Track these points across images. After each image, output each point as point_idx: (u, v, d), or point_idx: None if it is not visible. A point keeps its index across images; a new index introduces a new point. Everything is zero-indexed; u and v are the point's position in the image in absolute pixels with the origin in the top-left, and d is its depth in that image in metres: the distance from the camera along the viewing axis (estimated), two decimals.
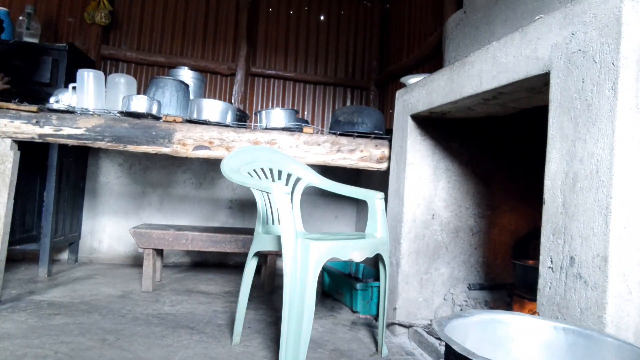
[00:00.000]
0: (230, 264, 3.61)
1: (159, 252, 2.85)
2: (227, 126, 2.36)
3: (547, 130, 1.28)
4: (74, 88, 2.35)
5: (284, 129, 2.45)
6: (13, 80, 2.67)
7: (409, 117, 2.13)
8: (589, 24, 1.15)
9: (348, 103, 4.15)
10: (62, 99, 2.37)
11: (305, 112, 4.07)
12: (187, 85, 2.64)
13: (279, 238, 1.70)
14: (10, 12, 3.03)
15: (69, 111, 2.23)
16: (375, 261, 1.97)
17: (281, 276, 1.65)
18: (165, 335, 1.95)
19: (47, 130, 2.17)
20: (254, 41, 3.92)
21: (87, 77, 2.31)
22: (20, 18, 3.03)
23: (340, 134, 2.46)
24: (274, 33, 3.98)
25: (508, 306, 2.01)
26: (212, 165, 3.55)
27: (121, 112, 2.26)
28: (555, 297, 1.19)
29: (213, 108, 2.39)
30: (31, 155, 2.73)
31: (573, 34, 1.20)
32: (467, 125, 2.17)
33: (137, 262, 3.40)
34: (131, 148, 2.23)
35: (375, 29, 4.13)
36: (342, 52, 4.12)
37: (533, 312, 1.47)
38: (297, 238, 1.56)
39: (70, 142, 2.20)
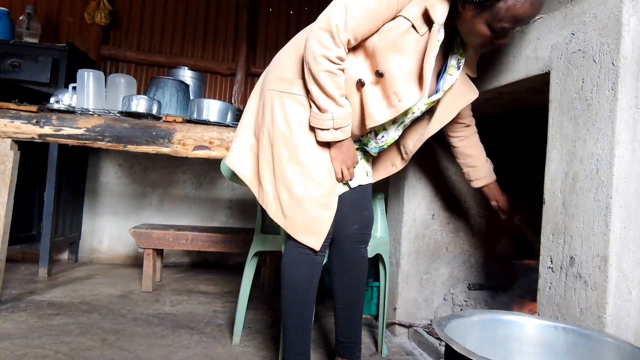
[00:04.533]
0: (230, 264, 3.61)
1: (159, 252, 2.85)
2: (227, 126, 2.36)
3: (547, 130, 1.28)
4: (74, 88, 2.35)
5: None
6: (13, 80, 2.66)
7: None
8: (589, 24, 1.15)
9: None
10: (62, 99, 2.37)
11: None
12: (187, 85, 2.64)
13: (279, 238, 1.70)
14: (10, 12, 3.02)
15: (69, 111, 2.23)
16: (375, 261, 1.97)
17: None
18: (166, 335, 1.95)
19: (47, 130, 2.17)
20: (254, 41, 3.91)
21: (87, 77, 2.31)
22: (20, 18, 3.02)
23: None
24: (274, 33, 3.97)
25: (508, 306, 2.01)
26: (212, 165, 3.55)
27: (121, 112, 2.26)
28: (555, 297, 1.19)
29: (213, 108, 2.39)
30: (31, 155, 2.74)
31: (573, 34, 1.20)
32: None
33: (137, 262, 3.40)
34: (131, 148, 2.23)
35: None
36: None
37: (533, 312, 1.47)
38: None
39: (71, 142, 2.20)
